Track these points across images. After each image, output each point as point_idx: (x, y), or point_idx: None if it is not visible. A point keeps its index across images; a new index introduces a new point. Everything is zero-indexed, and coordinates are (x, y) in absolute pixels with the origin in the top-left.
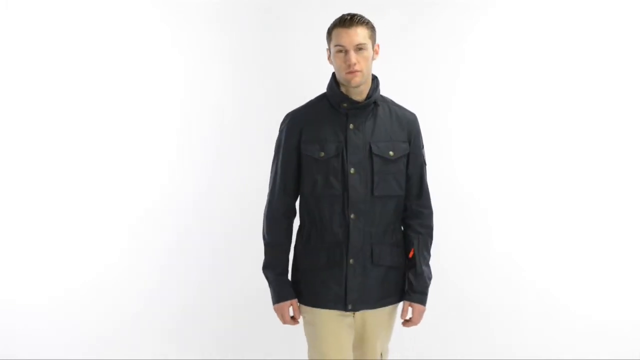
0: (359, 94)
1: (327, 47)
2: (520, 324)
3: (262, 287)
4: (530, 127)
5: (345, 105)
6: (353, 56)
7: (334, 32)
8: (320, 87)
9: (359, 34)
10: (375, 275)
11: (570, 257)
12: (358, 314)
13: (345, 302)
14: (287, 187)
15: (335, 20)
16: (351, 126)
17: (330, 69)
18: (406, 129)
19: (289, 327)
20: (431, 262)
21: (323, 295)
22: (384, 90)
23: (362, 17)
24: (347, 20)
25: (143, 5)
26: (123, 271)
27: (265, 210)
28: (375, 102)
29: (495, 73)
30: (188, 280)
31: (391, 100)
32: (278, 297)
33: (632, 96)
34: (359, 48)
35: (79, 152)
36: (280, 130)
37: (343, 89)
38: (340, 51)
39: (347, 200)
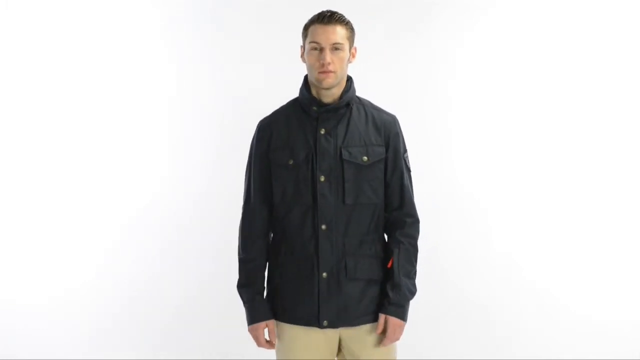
0: (330, 96)
1: (301, 44)
2: (520, 324)
3: None
4: (530, 127)
5: (315, 108)
6: (328, 55)
7: (311, 29)
8: None
9: (337, 32)
10: (352, 290)
11: (570, 257)
12: (338, 331)
13: (318, 318)
14: (264, 198)
15: (314, 16)
16: (322, 131)
17: None
18: (382, 132)
19: None
20: (431, 262)
21: (295, 310)
22: (384, 92)
23: (342, 16)
24: (326, 17)
25: (143, 6)
26: (123, 271)
27: (239, 225)
28: (348, 104)
29: (495, 73)
30: (188, 280)
31: (369, 102)
32: (252, 317)
33: (632, 97)
34: (335, 48)
35: (79, 153)
36: (252, 139)
37: (314, 91)
38: (315, 49)
39: (317, 209)
